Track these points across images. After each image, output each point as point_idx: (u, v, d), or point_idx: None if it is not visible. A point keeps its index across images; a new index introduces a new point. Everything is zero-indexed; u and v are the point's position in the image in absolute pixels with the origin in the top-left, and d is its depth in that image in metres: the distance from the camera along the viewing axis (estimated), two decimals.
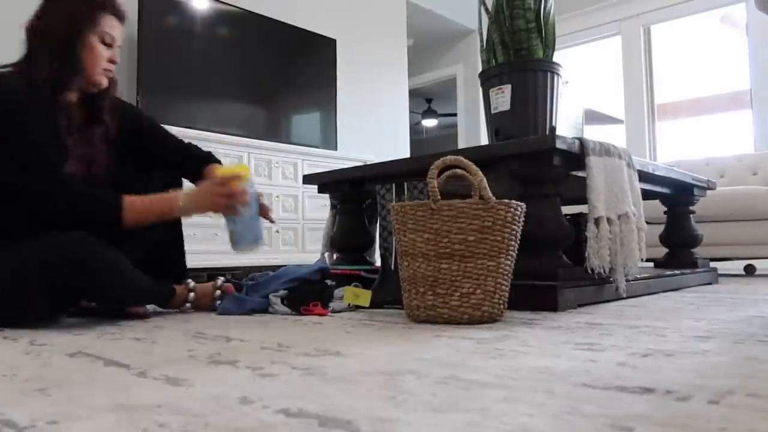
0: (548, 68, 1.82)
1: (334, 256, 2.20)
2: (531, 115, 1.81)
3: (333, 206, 2.25)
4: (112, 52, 1.46)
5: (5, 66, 1.40)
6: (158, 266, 1.54)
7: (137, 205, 1.37)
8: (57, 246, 1.28)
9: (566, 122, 5.06)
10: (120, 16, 1.47)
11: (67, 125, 1.40)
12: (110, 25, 1.44)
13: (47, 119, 1.34)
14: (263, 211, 1.56)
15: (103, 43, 1.43)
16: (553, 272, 1.45)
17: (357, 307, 1.55)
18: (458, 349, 0.91)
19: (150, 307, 1.55)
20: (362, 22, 4.53)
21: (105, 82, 1.47)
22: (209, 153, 1.71)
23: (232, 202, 1.44)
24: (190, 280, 1.58)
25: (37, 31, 1.41)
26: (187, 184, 1.64)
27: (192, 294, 1.55)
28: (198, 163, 1.65)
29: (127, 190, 1.39)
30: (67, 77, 1.39)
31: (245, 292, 1.58)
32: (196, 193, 1.46)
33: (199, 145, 1.75)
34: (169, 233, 1.61)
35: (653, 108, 5.01)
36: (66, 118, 1.40)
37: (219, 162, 1.70)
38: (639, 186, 1.74)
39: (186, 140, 1.73)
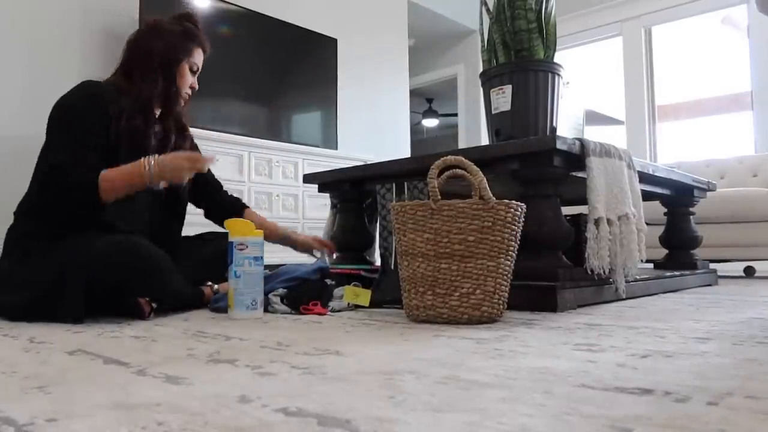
0: (549, 69, 1.82)
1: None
2: (531, 115, 1.80)
3: (333, 206, 2.25)
4: (194, 79, 1.70)
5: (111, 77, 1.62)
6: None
7: (110, 176, 1.43)
8: (104, 245, 1.36)
9: (567, 123, 5.06)
10: (205, 50, 1.72)
11: (139, 134, 1.56)
12: (198, 57, 1.70)
13: (100, 126, 1.48)
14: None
15: (191, 71, 1.68)
16: (553, 273, 1.45)
17: (356, 307, 1.55)
18: (458, 349, 0.91)
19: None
20: (363, 21, 4.53)
21: (181, 103, 1.70)
22: (238, 199, 1.92)
23: (196, 165, 1.50)
24: (209, 282, 1.66)
25: (137, 51, 1.61)
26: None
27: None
28: (226, 208, 1.84)
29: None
30: (170, 95, 1.62)
31: None
32: (165, 157, 1.50)
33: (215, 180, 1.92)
34: (217, 253, 1.67)
35: (654, 109, 5.01)
36: (161, 131, 1.63)
37: (246, 207, 1.90)
38: (639, 187, 1.74)
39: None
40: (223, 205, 1.87)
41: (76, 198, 1.43)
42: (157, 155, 1.48)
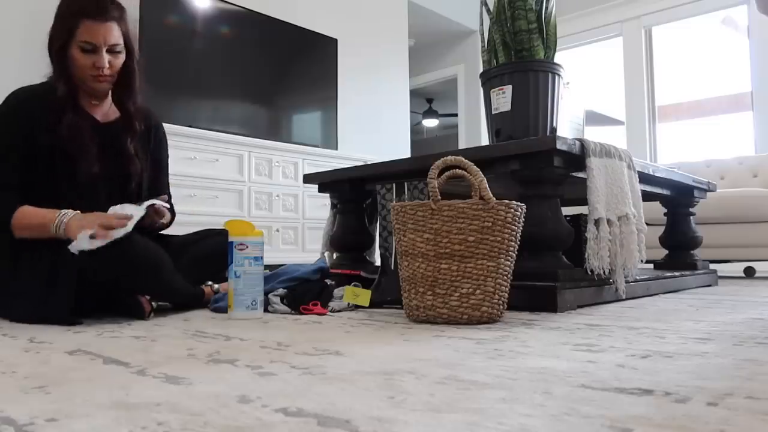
0: (549, 69, 1.82)
1: (334, 256, 2.20)
2: (532, 115, 1.81)
3: (333, 206, 2.25)
4: (96, 57, 1.44)
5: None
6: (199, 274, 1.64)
7: (23, 219, 1.39)
8: (109, 248, 1.32)
9: (567, 123, 5.07)
10: (102, 18, 1.42)
11: (78, 132, 1.46)
12: (89, 32, 1.41)
13: (23, 141, 1.42)
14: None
15: (84, 51, 1.43)
16: (553, 273, 1.45)
17: (356, 307, 1.55)
18: (457, 349, 0.91)
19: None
20: (364, 22, 4.53)
21: (103, 87, 1.50)
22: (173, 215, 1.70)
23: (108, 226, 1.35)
24: (210, 281, 1.65)
25: (48, 47, 1.48)
26: None
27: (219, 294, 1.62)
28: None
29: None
30: (71, 88, 1.46)
31: None
32: (75, 221, 1.36)
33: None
34: (215, 250, 1.64)
35: (654, 110, 5.01)
36: (79, 125, 1.46)
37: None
38: (639, 187, 1.74)
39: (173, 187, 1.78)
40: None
41: None
42: (70, 213, 1.37)
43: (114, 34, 1.45)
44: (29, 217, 1.39)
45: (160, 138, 1.71)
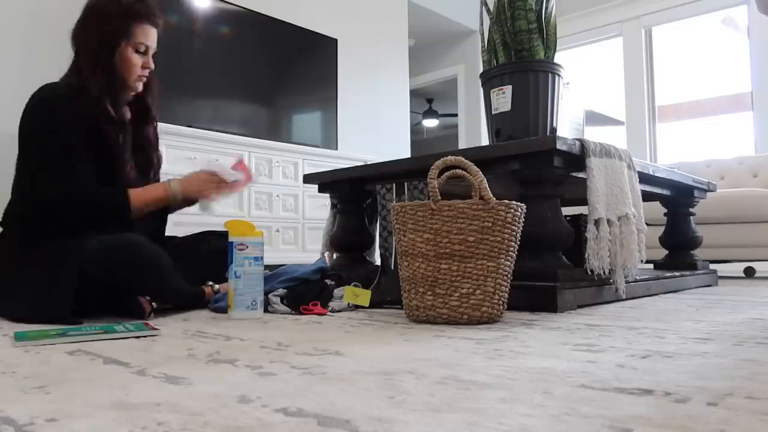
0: (549, 69, 1.82)
1: (334, 256, 2.20)
2: (532, 115, 1.81)
3: (333, 206, 2.25)
4: (146, 58, 1.54)
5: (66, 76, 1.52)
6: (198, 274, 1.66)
7: (138, 195, 1.49)
8: (102, 243, 1.35)
9: (567, 123, 5.06)
10: (154, 23, 1.54)
11: (117, 133, 1.51)
12: (144, 34, 1.51)
13: (78, 130, 1.44)
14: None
15: (137, 52, 1.51)
16: (553, 273, 1.45)
17: (356, 307, 1.55)
18: (457, 349, 0.91)
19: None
20: (364, 21, 4.53)
21: (140, 87, 1.57)
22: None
23: (219, 191, 1.57)
24: (210, 282, 1.65)
25: (79, 43, 1.51)
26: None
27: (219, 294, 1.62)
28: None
29: None
30: (114, 87, 1.50)
31: None
32: (188, 177, 1.58)
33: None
34: (215, 251, 1.67)
35: (654, 110, 5.01)
36: (119, 128, 1.52)
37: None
38: (639, 187, 1.74)
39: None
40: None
41: (106, 218, 1.46)
42: (174, 178, 1.54)
43: (156, 38, 1.57)
44: (142, 198, 1.49)
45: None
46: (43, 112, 1.44)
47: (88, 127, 1.46)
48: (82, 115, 1.45)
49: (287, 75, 3.73)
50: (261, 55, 3.61)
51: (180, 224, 1.90)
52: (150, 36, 1.53)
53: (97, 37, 1.47)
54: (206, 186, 1.57)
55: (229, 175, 1.58)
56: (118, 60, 1.49)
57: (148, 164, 1.64)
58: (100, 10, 1.49)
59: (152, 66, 1.56)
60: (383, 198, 1.86)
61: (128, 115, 1.60)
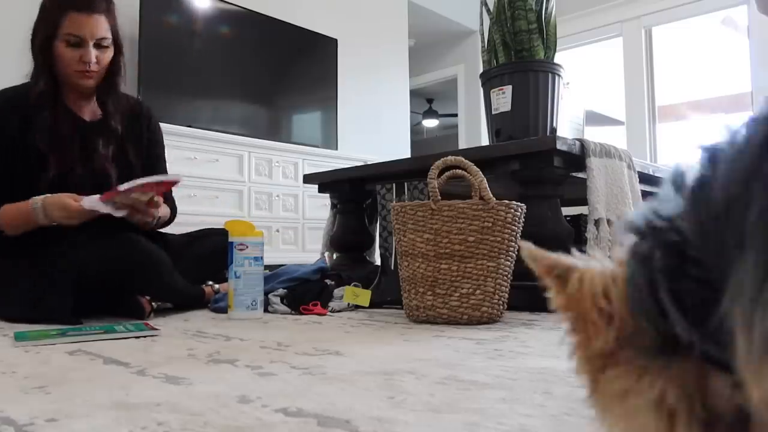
0: (549, 69, 1.82)
1: (334, 256, 2.20)
2: (532, 116, 1.81)
3: (333, 206, 2.25)
4: (83, 50, 1.39)
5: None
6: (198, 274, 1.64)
7: (5, 217, 1.39)
8: (102, 243, 1.34)
9: (567, 123, 5.06)
10: (82, 9, 1.37)
11: (53, 134, 1.41)
12: (74, 25, 1.36)
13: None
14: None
15: (70, 45, 1.38)
16: None
17: (356, 307, 1.55)
18: (457, 349, 0.91)
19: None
20: (364, 22, 4.53)
21: (88, 83, 1.44)
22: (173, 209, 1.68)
23: (68, 220, 1.35)
24: (210, 281, 1.65)
25: (31, 43, 1.44)
26: None
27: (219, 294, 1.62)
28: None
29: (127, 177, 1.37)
30: (51, 87, 1.41)
31: None
32: (53, 197, 1.36)
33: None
34: (215, 250, 1.64)
35: (654, 110, 5.01)
36: (53, 127, 1.42)
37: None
38: (639, 187, 1.74)
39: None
40: None
41: None
42: (43, 196, 1.35)
43: (102, 27, 1.40)
44: (9, 212, 1.38)
45: (153, 131, 1.65)
46: None
47: (23, 125, 1.40)
48: (18, 115, 1.39)
49: (287, 75, 3.73)
50: (261, 55, 3.61)
51: (181, 224, 1.90)
52: (83, 25, 1.36)
53: (36, 34, 1.40)
54: (69, 213, 1.34)
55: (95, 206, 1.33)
56: (53, 56, 1.39)
57: (98, 173, 1.47)
58: (41, 5, 1.41)
59: (91, 59, 1.39)
60: (383, 198, 1.86)
61: (98, 116, 1.51)
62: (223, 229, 1.55)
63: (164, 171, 1.67)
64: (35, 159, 1.41)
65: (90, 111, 1.53)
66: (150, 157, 1.62)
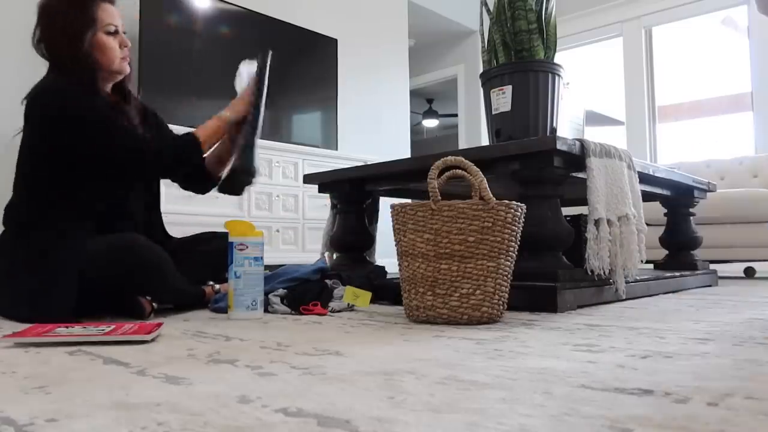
0: (549, 69, 1.82)
1: (334, 256, 2.20)
2: (532, 116, 1.81)
3: (333, 206, 2.25)
4: (121, 37, 1.51)
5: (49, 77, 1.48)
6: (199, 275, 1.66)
7: (204, 133, 1.54)
8: (103, 243, 1.35)
9: (567, 123, 5.05)
10: (111, 0, 1.50)
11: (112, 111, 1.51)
12: (109, 15, 1.48)
13: (106, 109, 1.47)
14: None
15: (110, 34, 1.48)
16: (553, 273, 1.45)
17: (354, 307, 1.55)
18: (457, 349, 0.91)
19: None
20: (364, 22, 4.53)
21: (128, 68, 1.55)
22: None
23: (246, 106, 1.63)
24: (211, 282, 1.66)
25: (48, 48, 1.47)
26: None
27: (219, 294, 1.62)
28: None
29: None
30: (94, 77, 1.47)
31: None
32: (233, 102, 1.68)
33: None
34: (217, 251, 1.65)
35: (654, 110, 5.01)
36: (110, 106, 1.51)
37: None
38: (639, 188, 1.74)
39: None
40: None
41: (186, 160, 1.50)
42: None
43: (120, 16, 1.52)
44: (205, 132, 1.54)
45: (161, 124, 1.77)
46: (66, 100, 1.41)
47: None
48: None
49: (287, 75, 3.73)
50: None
51: (181, 224, 1.90)
52: (115, 15, 1.49)
53: (73, 31, 1.42)
54: (243, 98, 1.68)
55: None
56: (92, 50, 1.44)
57: None
58: (60, 3, 1.44)
59: (129, 43, 1.53)
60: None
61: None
62: (223, 233, 1.56)
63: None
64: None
65: (112, 98, 1.59)
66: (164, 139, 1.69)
